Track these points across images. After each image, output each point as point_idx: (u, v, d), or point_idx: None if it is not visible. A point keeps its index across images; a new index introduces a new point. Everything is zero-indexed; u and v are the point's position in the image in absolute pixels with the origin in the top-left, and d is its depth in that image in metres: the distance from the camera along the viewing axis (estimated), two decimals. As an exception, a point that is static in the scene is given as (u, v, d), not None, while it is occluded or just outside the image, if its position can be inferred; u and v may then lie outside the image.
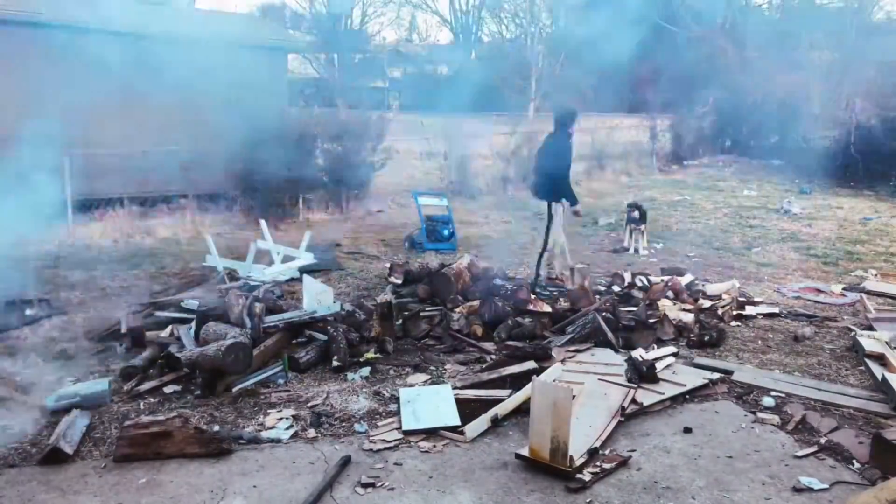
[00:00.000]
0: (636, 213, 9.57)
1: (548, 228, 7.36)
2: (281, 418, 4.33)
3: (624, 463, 3.84)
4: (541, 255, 7.43)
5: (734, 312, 6.55)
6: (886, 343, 5.54)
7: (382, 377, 5.04)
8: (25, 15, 10.13)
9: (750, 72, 20.21)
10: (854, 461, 3.91)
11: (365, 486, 3.60)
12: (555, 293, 6.99)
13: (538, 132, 15.86)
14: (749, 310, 6.65)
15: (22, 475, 3.68)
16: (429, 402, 4.42)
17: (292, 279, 7.53)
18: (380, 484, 3.62)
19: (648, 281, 7.10)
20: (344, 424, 4.29)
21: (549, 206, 7.31)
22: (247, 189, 10.88)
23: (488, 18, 41.57)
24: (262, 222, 8.52)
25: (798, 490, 3.62)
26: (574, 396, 3.95)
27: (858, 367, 5.36)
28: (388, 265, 7.75)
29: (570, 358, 5.28)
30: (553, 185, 7.18)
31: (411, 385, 4.84)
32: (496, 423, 4.27)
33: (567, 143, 7.27)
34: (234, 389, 4.68)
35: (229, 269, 7.39)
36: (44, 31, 10.24)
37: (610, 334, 5.62)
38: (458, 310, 6.18)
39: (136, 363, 4.97)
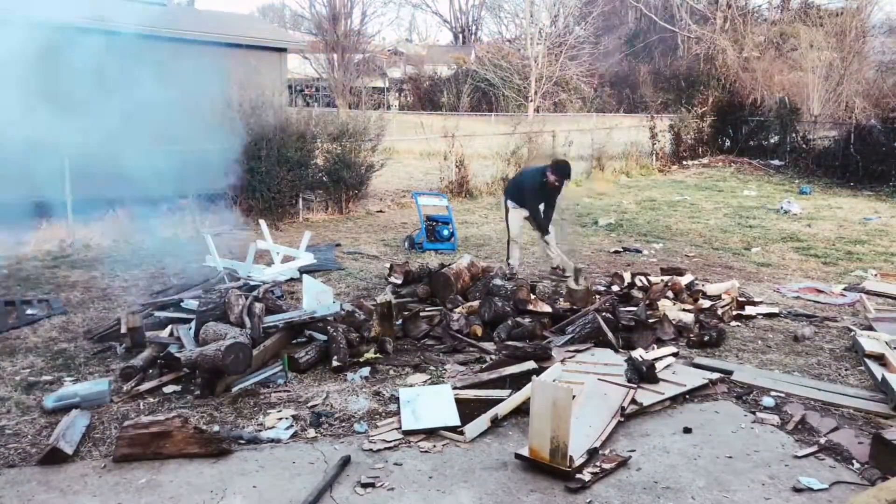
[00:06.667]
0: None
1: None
2: (281, 418, 4.33)
3: (624, 463, 3.84)
4: None
5: (734, 312, 6.55)
6: (886, 343, 5.55)
7: (382, 377, 5.04)
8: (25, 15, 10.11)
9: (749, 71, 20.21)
10: (854, 461, 3.91)
11: (365, 486, 3.60)
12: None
13: (538, 132, 15.92)
14: (749, 310, 6.65)
15: (22, 475, 3.68)
16: (429, 402, 4.41)
17: (292, 279, 7.54)
18: (380, 484, 3.62)
19: (648, 281, 7.10)
20: (344, 424, 4.29)
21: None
22: (246, 189, 10.87)
23: (488, 18, 41.59)
24: (262, 222, 8.52)
25: (798, 490, 3.62)
26: (574, 396, 3.95)
27: (858, 367, 5.36)
28: (388, 265, 7.75)
29: (570, 358, 5.27)
30: None
31: (411, 385, 4.84)
32: (496, 423, 4.27)
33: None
34: (234, 389, 4.68)
35: (229, 269, 7.38)
36: (43, 30, 10.24)
37: (610, 334, 5.62)
38: (458, 310, 6.17)
39: (136, 363, 4.97)
